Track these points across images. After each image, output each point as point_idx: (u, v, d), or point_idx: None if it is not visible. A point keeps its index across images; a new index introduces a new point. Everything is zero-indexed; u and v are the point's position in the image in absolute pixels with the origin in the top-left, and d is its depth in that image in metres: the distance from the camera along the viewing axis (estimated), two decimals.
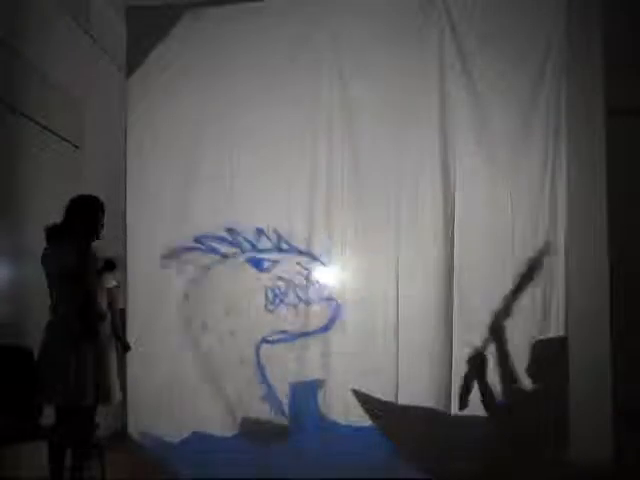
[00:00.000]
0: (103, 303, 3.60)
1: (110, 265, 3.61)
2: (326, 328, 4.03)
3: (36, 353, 3.50)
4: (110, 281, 3.67)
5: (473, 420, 3.82)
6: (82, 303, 3.44)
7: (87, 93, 4.78)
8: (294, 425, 4.05)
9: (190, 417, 4.13)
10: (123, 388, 4.02)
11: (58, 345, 3.43)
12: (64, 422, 3.47)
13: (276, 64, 4.13)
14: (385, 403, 3.93)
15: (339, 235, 4.06)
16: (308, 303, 4.06)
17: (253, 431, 4.06)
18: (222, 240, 4.15)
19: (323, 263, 4.07)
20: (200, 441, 4.10)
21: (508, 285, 3.87)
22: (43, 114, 4.23)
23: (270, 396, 4.07)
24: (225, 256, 4.16)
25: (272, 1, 4.20)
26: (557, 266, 3.84)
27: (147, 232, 4.25)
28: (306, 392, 4.04)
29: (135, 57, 4.31)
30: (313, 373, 4.04)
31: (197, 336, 4.16)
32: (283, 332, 4.07)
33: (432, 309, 3.91)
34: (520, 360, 3.84)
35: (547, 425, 3.75)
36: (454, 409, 3.86)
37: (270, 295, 4.10)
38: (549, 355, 3.80)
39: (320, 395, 4.03)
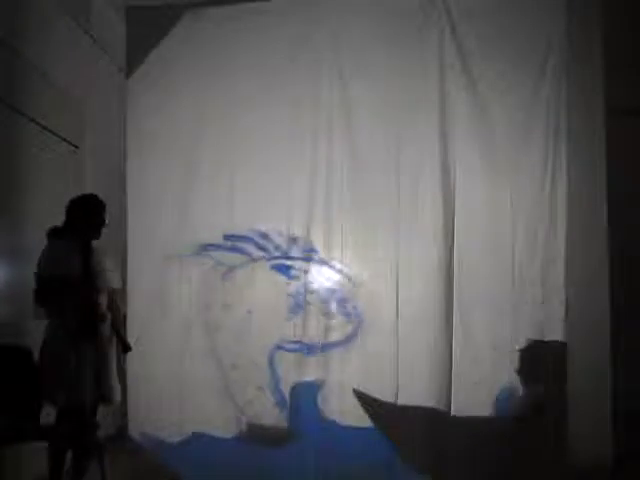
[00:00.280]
0: (103, 303, 3.60)
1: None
2: (346, 342, 4.02)
3: (36, 353, 3.51)
4: (112, 281, 3.67)
5: (473, 420, 3.81)
6: (82, 303, 3.44)
7: (87, 93, 4.78)
8: (294, 425, 4.05)
9: (191, 418, 4.12)
10: (123, 388, 4.02)
11: (58, 345, 3.43)
12: (64, 422, 3.47)
13: (276, 64, 4.13)
14: (385, 403, 3.93)
15: (339, 235, 4.06)
16: (329, 317, 4.04)
17: (254, 433, 4.05)
18: (251, 241, 4.14)
19: (349, 278, 4.05)
20: (200, 442, 4.09)
21: (507, 285, 3.87)
22: (43, 114, 4.23)
23: (281, 403, 4.06)
24: (253, 258, 4.14)
25: (272, 1, 4.20)
26: (557, 266, 3.84)
27: (147, 232, 4.25)
28: (306, 392, 4.03)
29: (135, 57, 4.31)
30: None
31: (210, 336, 4.15)
32: (298, 342, 4.05)
33: (432, 309, 3.91)
34: None
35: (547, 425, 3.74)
36: (454, 409, 3.85)
37: (292, 303, 4.08)
38: (540, 356, 3.79)
39: (320, 395, 4.02)
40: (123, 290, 3.97)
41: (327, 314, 4.05)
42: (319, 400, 4.02)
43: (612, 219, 3.91)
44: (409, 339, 3.91)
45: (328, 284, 4.08)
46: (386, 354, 3.93)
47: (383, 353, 3.94)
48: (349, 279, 4.06)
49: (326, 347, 4.02)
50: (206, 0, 4.26)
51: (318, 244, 4.08)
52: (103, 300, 3.61)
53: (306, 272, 4.08)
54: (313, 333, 4.03)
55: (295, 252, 4.10)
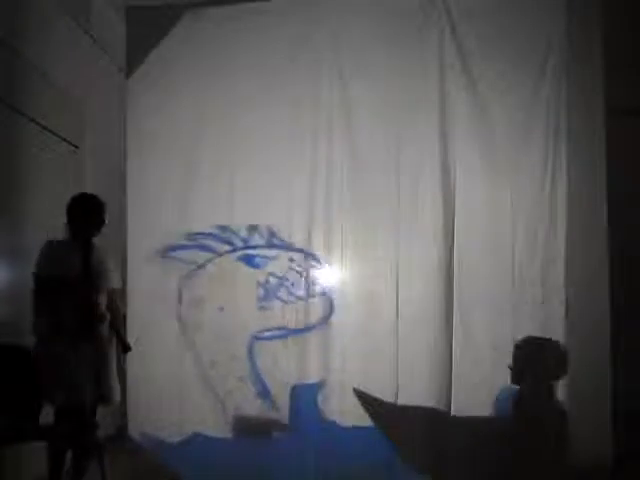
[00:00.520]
0: (103, 303, 3.60)
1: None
2: (320, 325, 4.03)
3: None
4: (112, 281, 3.67)
5: (473, 420, 3.81)
6: (80, 304, 3.44)
7: (87, 93, 4.78)
8: (294, 426, 4.05)
9: (190, 418, 4.13)
10: (123, 388, 4.02)
11: (56, 345, 3.44)
12: (63, 422, 3.47)
13: (276, 64, 4.13)
14: (385, 403, 3.93)
15: (339, 235, 4.06)
16: (300, 300, 4.06)
17: (253, 432, 4.06)
18: (214, 237, 4.15)
19: (317, 259, 4.07)
20: (200, 442, 4.09)
21: (507, 285, 3.87)
22: (43, 114, 4.23)
23: (263, 393, 4.06)
24: (218, 253, 4.15)
25: (272, 1, 4.20)
26: (557, 266, 3.84)
27: (147, 232, 4.25)
28: (306, 393, 4.04)
29: (135, 57, 4.31)
30: (308, 371, 4.04)
31: (192, 335, 4.16)
32: (275, 329, 4.07)
33: (432, 309, 3.91)
34: None
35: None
36: (454, 409, 3.85)
37: (262, 292, 4.09)
38: (529, 355, 3.79)
39: (320, 396, 4.02)
40: (123, 290, 3.97)
41: (298, 297, 4.06)
42: (319, 400, 4.02)
43: (612, 219, 3.90)
44: (409, 339, 3.91)
45: (293, 267, 4.10)
46: (386, 354, 3.93)
47: (383, 353, 3.94)
48: (313, 258, 4.07)
49: (304, 330, 4.04)
50: (206, 0, 4.26)
51: (318, 244, 4.08)
52: (103, 300, 3.61)
53: (300, 268, 4.09)
54: (288, 317, 4.06)
55: (287, 249, 4.10)
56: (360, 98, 4.05)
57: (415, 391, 3.89)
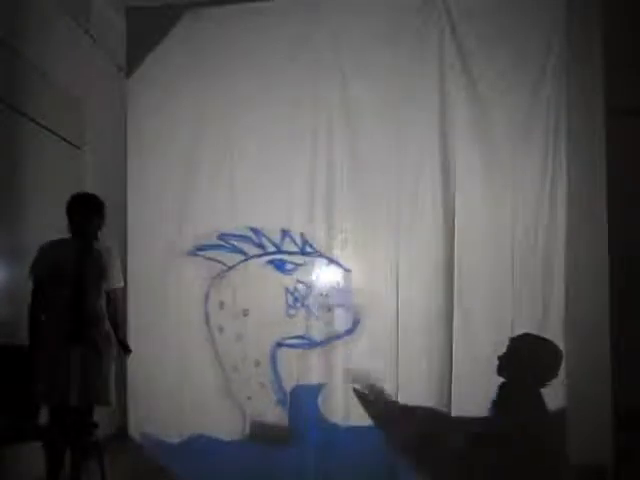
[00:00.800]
0: (102, 304, 3.60)
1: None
2: (348, 333, 4.01)
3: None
4: (113, 281, 3.67)
5: (473, 420, 3.81)
6: (73, 304, 3.44)
7: (87, 93, 4.78)
8: (294, 427, 4.05)
9: (191, 418, 4.12)
10: (123, 389, 4.02)
11: (48, 345, 3.44)
12: (57, 422, 3.47)
13: (276, 64, 4.13)
14: (385, 403, 3.93)
15: (339, 235, 4.06)
16: (328, 309, 4.04)
17: (270, 439, 4.04)
18: (246, 239, 4.14)
19: (347, 269, 4.05)
20: (200, 443, 4.08)
21: (508, 285, 3.87)
22: (43, 114, 4.23)
23: (283, 401, 4.06)
24: (248, 256, 4.14)
25: (272, 1, 4.20)
26: (557, 266, 3.84)
27: (147, 232, 4.25)
28: (306, 393, 4.03)
29: (135, 57, 4.31)
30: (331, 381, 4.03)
31: (212, 336, 4.14)
32: (299, 337, 4.05)
33: (432, 309, 3.91)
34: None
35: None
36: (454, 409, 3.85)
37: (290, 298, 4.08)
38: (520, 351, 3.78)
39: (320, 396, 4.02)
40: (123, 290, 3.97)
41: (326, 307, 4.04)
42: (319, 401, 4.02)
43: (612, 219, 3.90)
44: (409, 339, 3.91)
45: (324, 276, 4.08)
46: (386, 354, 3.93)
47: (383, 353, 3.94)
48: (345, 270, 4.05)
49: (328, 340, 4.02)
50: (206, 0, 4.26)
51: (317, 244, 4.08)
52: (102, 300, 3.61)
53: (302, 266, 4.08)
54: (313, 327, 4.03)
55: (289, 247, 4.09)
56: (360, 98, 4.05)
57: (415, 391, 3.89)
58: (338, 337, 4.02)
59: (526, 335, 3.78)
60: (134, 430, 4.19)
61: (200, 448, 4.07)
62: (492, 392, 3.83)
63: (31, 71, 4.16)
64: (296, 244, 4.09)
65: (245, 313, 4.10)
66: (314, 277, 4.08)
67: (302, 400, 4.04)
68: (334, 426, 3.98)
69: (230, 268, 4.14)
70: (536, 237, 3.89)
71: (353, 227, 4.05)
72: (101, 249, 3.65)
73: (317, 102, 4.11)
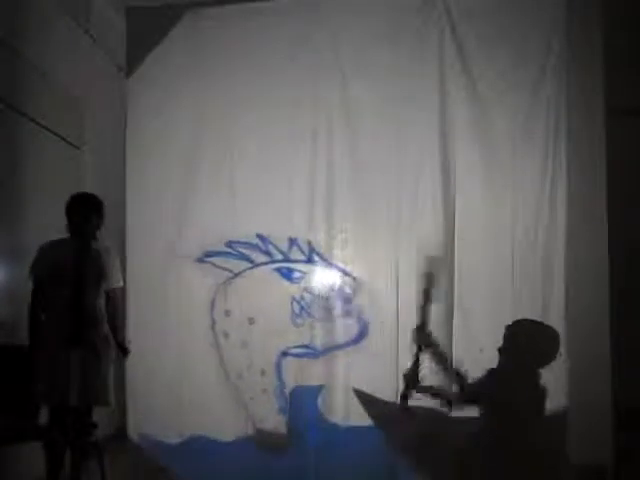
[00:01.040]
0: (101, 304, 3.60)
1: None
2: (353, 344, 4.01)
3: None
4: (112, 281, 3.67)
5: (473, 420, 3.81)
6: (72, 304, 3.45)
7: (87, 93, 4.79)
8: (294, 427, 4.04)
9: (190, 420, 4.11)
10: (122, 389, 4.02)
11: (47, 346, 3.44)
12: (57, 422, 3.48)
13: (276, 64, 4.12)
14: (385, 403, 3.93)
15: (339, 235, 4.06)
16: (335, 319, 4.03)
17: (270, 447, 4.03)
18: (254, 247, 4.13)
19: (356, 279, 4.03)
20: (199, 444, 4.08)
21: (508, 285, 3.87)
22: (43, 114, 4.23)
23: (284, 409, 4.05)
24: (255, 263, 4.13)
25: (272, 1, 4.20)
26: (557, 266, 3.84)
27: (147, 232, 4.24)
28: (307, 394, 4.03)
29: (135, 57, 4.30)
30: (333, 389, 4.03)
31: (217, 341, 4.13)
32: (305, 346, 4.04)
33: (432, 309, 3.90)
34: None
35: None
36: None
37: (297, 307, 4.08)
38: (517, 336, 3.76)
39: (320, 396, 4.02)
40: (123, 290, 3.97)
41: (332, 316, 4.04)
42: (319, 401, 4.02)
43: (612, 219, 3.90)
44: (409, 339, 3.90)
45: (331, 286, 4.05)
46: (386, 354, 3.93)
47: (383, 353, 3.94)
48: (353, 279, 4.05)
49: (333, 349, 4.02)
50: (206, 0, 4.26)
51: (318, 244, 4.08)
52: (101, 300, 3.61)
53: (309, 274, 4.07)
54: (319, 336, 4.03)
55: (296, 255, 4.09)
56: (360, 98, 4.05)
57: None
58: (344, 347, 4.00)
59: (523, 320, 3.75)
60: (133, 431, 4.18)
61: (200, 448, 4.07)
62: None
63: (31, 71, 4.16)
64: (303, 252, 4.08)
65: (251, 321, 4.09)
66: (321, 286, 4.06)
67: (302, 400, 4.03)
68: (334, 426, 3.98)
69: (237, 275, 4.14)
70: (536, 237, 3.88)
71: (353, 227, 4.04)
72: (100, 249, 3.66)
73: (317, 102, 4.11)
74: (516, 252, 3.88)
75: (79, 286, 3.49)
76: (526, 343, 3.62)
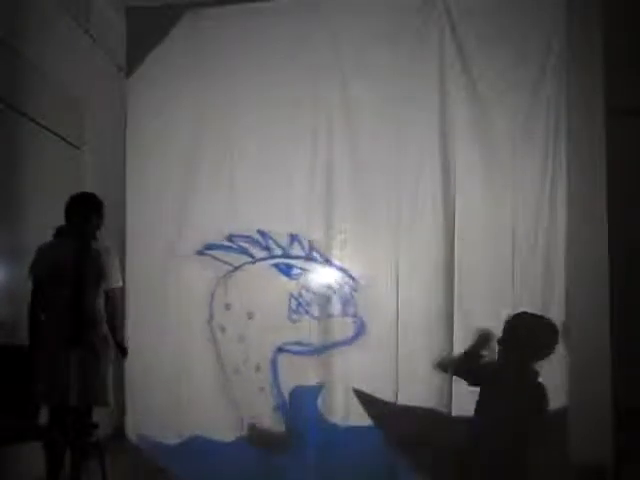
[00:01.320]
0: (100, 304, 3.60)
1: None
2: (349, 342, 4.00)
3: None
4: (112, 281, 3.67)
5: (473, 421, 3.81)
6: (72, 304, 3.45)
7: (87, 93, 4.79)
8: (294, 427, 4.04)
9: (189, 420, 4.11)
10: (121, 389, 4.02)
11: (47, 346, 3.44)
12: (57, 422, 3.48)
13: (276, 64, 4.13)
14: (385, 403, 3.93)
15: (338, 235, 4.06)
16: (332, 317, 4.03)
17: (251, 435, 4.04)
18: (254, 242, 4.13)
19: (354, 278, 4.02)
20: (198, 444, 4.07)
21: (508, 285, 3.86)
22: (43, 114, 4.23)
23: (282, 406, 4.05)
24: (255, 258, 4.13)
25: (272, 1, 4.20)
26: (557, 266, 3.84)
27: (147, 232, 4.24)
28: (307, 394, 4.03)
29: (135, 57, 4.30)
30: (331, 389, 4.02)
31: (214, 336, 4.13)
32: (301, 343, 4.04)
33: (432, 309, 3.90)
34: None
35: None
36: (454, 409, 3.85)
37: (294, 304, 4.08)
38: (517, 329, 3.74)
39: (320, 397, 4.02)
40: (122, 290, 3.97)
41: (329, 314, 4.04)
42: (319, 401, 4.02)
43: (612, 219, 3.90)
44: (409, 339, 3.91)
45: (329, 284, 4.06)
46: (386, 354, 3.93)
47: (383, 353, 3.94)
48: (351, 278, 4.05)
49: (329, 348, 4.02)
50: (206, 0, 4.26)
51: (318, 244, 4.08)
52: (100, 300, 3.61)
53: (307, 271, 4.07)
54: (315, 334, 4.03)
55: (296, 251, 4.09)
56: (360, 98, 4.05)
57: (415, 391, 3.89)
58: (340, 345, 4.00)
59: (523, 313, 3.74)
60: (131, 432, 4.17)
61: (199, 449, 4.07)
62: None
63: (31, 71, 4.16)
64: (303, 249, 4.08)
65: (250, 316, 4.09)
66: (319, 283, 4.06)
67: (302, 400, 4.03)
68: (334, 426, 3.98)
69: (236, 269, 4.14)
70: (536, 237, 3.88)
71: (353, 227, 4.04)
72: (100, 249, 3.66)
73: (317, 102, 4.11)
74: (516, 252, 3.88)
75: (79, 286, 3.49)
76: (526, 336, 3.62)
